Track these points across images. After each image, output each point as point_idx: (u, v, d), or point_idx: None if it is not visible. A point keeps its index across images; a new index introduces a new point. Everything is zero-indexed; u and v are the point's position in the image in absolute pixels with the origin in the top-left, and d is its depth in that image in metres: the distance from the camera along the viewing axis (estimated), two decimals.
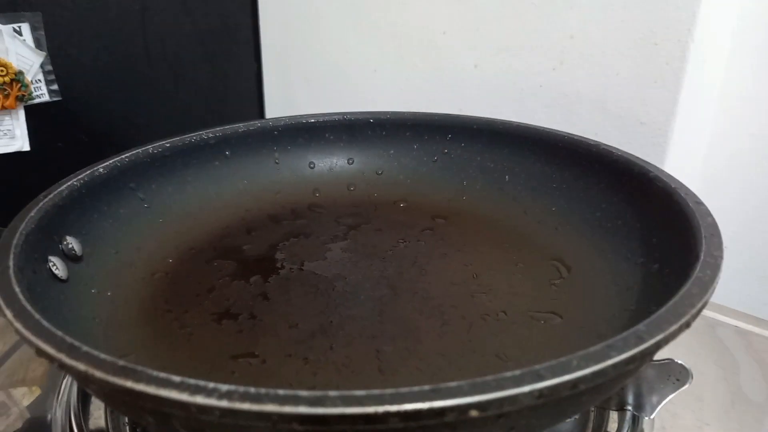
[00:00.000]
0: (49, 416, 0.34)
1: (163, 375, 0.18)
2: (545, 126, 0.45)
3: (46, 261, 0.30)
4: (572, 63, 0.50)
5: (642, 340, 0.20)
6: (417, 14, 0.59)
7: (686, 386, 0.30)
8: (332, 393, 0.17)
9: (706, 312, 0.23)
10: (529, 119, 0.54)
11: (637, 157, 0.37)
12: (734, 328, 0.41)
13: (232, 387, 0.17)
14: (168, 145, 0.43)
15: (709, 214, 0.29)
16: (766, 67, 0.48)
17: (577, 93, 0.51)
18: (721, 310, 0.43)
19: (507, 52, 0.54)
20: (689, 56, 0.44)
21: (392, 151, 0.50)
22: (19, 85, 0.51)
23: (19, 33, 0.50)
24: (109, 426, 0.33)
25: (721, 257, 0.25)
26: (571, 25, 0.49)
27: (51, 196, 0.33)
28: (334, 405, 0.17)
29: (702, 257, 0.25)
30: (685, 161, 0.51)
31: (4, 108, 0.51)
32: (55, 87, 0.54)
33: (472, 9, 0.55)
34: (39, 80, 0.53)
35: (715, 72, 0.49)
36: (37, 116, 0.53)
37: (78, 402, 0.34)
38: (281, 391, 0.17)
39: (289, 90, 0.73)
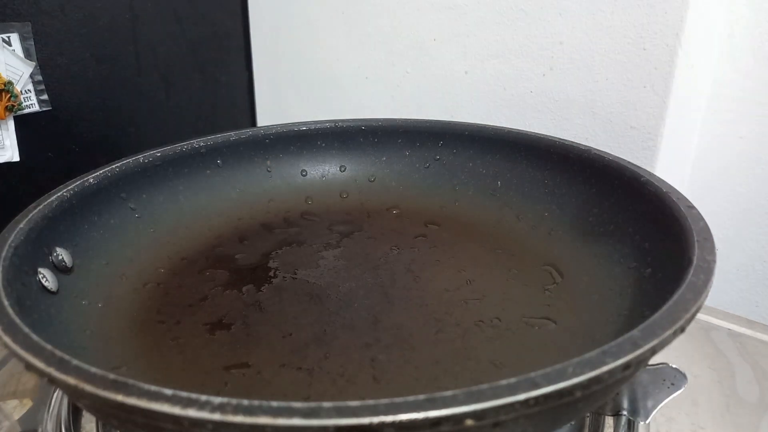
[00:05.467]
0: (40, 429, 0.34)
1: (154, 388, 0.18)
2: (536, 131, 0.45)
3: (36, 273, 0.30)
4: (562, 68, 0.50)
5: (637, 346, 0.20)
6: (407, 22, 0.59)
7: (681, 390, 0.30)
8: (326, 404, 0.17)
9: (699, 315, 0.23)
10: (520, 125, 0.54)
11: (629, 162, 0.37)
12: (727, 330, 0.41)
13: (225, 399, 0.17)
14: (159, 154, 0.42)
15: (701, 218, 0.29)
16: (754, 70, 0.48)
17: (567, 98, 0.51)
18: (713, 312, 0.43)
19: (497, 59, 0.54)
20: (678, 61, 0.45)
21: (384, 158, 0.50)
22: (9, 95, 0.50)
23: (8, 43, 0.50)
24: None
25: (714, 261, 0.25)
26: (560, 31, 0.50)
27: (40, 207, 0.33)
28: (329, 416, 0.16)
29: (695, 261, 0.25)
30: (675, 165, 0.51)
31: None
32: (44, 97, 0.53)
33: (462, 16, 0.55)
34: (29, 90, 0.52)
35: (703, 76, 0.49)
36: (26, 126, 0.53)
37: (69, 415, 0.34)
38: (275, 403, 0.17)
39: (281, 98, 0.73)
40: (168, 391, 0.17)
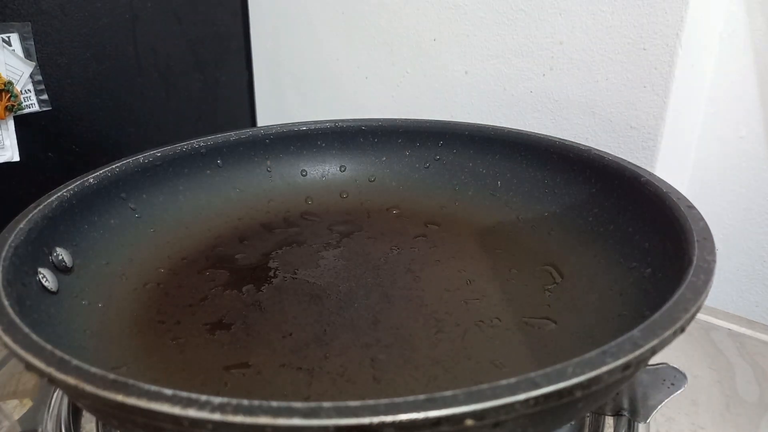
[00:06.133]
0: (39, 429, 0.34)
1: (154, 388, 0.18)
2: (536, 131, 0.45)
3: (36, 273, 0.30)
4: (562, 68, 0.50)
5: (637, 346, 0.20)
6: (407, 22, 0.59)
7: (681, 390, 0.30)
8: (326, 404, 0.17)
9: (698, 315, 0.23)
10: (520, 125, 0.54)
11: (629, 162, 0.37)
12: (727, 330, 0.41)
13: (225, 399, 0.17)
14: (159, 154, 0.42)
15: (701, 218, 0.29)
16: (753, 70, 0.48)
17: (567, 98, 0.51)
18: (713, 312, 0.43)
19: (497, 59, 0.54)
20: (677, 61, 0.44)
21: (384, 158, 0.50)
22: (9, 95, 0.50)
23: (8, 43, 0.50)
24: None
25: (714, 261, 0.25)
26: (560, 31, 0.50)
27: (41, 207, 0.33)
28: (329, 416, 0.16)
29: (695, 261, 0.25)
30: (675, 165, 0.51)
31: None
32: (44, 97, 0.53)
33: (462, 16, 0.55)
34: (29, 90, 0.52)
35: (703, 76, 0.49)
36: (26, 126, 0.53)
37: (69, 415, 0.34)
38: (275, 403, 0.17)
39: (281, 98, 0.73)
40: (168, 391, 0.17)
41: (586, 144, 0.41)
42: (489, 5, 0.53)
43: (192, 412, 0.17)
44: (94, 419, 0.33)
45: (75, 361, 0.20)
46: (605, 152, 0.39)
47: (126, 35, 0.59)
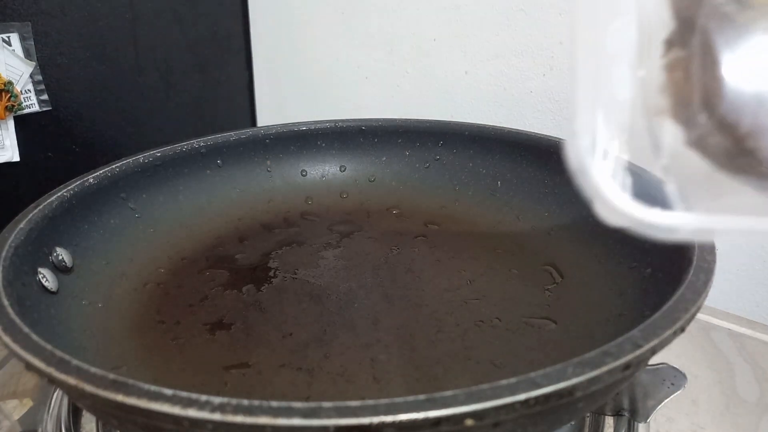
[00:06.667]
0: (40, 429, 0.34)
1: (154, 388, 0.18)
2: (536, 131, 0.45)
3: (36, 273, 0.30)
4: (562, 69, 0.50)
5: (637, 346, 0.20)
6: (407, 22, 0.59)
7: (681, 390, 0.30)
8: (326, 404, 0.17)
9: (698, 315, 0.23)
10: (520, 125, 0.54)
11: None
12: (727, 330, 0.41)
13: (225, 399, 0.17)
14: (159, 154, 0.42)
15: None
16: None
17: (567, 98, 0.51)
18: (713, 312, 0.43)
19: (497, 59, 0.54)
20: None
21: (384, 158, 0.50)
22: (9, 95, 0.50)
23: (8, 43, 0.50)
24: None
25: (713, 261, 0.25)
26: (560, 31, 0.50)
27: (41, 207, 0.33)
28: (329, 416, 0.16)
29: (695, 262, 0.25)
30: None
31: None
32: (44, 97, 0.53)
33: (462, 16, 0.55)
34: (29, 90, 0.52)
35: None
36: (26, 126, 0.53)
37: (69, 415, 0.34)
38: (275, 403, 0.17)
39: (281, 98, 0.73)
40: (168, 391, 0.17)
41: None
42: (489, 5, 0.53)
43: (192, 412, 0.17)
44: (94, 419, 0.33)
45: (75, 361, 0.20)
46: None
47: (126, 35, 0.59)
